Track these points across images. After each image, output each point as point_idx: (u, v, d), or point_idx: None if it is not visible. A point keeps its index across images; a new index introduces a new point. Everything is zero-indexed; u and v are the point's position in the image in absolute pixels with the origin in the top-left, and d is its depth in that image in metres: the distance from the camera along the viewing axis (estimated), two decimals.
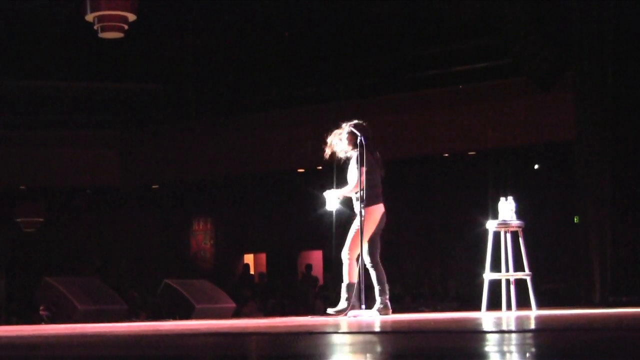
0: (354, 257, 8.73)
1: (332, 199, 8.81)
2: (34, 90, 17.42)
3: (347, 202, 8.91)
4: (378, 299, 8.71)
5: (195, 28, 15.51)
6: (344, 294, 8.78)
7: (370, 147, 8.72)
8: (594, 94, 12.46)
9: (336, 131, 8.93)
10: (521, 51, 14.03)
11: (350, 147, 8.82)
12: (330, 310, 8.84)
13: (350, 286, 8.74)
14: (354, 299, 8.70)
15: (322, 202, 8.82)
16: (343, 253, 8.79)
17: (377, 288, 8.73)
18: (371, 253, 8.70)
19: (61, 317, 10.78)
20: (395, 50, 16.03)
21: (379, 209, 8.73)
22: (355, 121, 8.87)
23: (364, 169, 8.58)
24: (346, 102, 16.80)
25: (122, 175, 19.95)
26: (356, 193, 8.71)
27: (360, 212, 8.55)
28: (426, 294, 16.83)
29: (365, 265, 8.65)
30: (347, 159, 8.91)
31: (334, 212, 8.88)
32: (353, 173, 8.72)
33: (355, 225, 8.72)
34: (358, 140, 8.57)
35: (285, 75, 17.05)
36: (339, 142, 8.86)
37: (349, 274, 8.74)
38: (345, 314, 8.63)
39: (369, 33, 15.63)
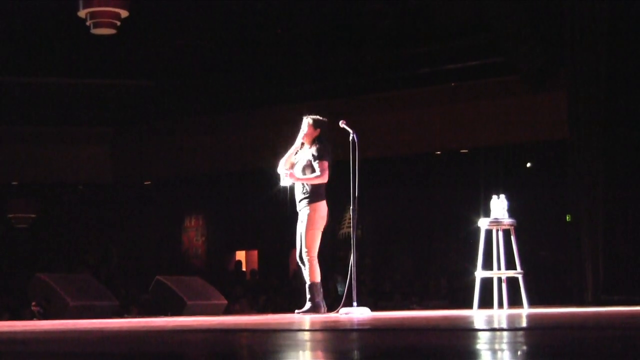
0: (314, 255, 8.71)
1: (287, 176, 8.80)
2: (25, 86, 17.36)
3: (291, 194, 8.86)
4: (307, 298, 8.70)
5: (187, 25, 15.48)
6: (308, 295, 8.75)
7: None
8: (587, 93, 12.46)
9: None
10: (514, 49, 14.03)
11: (308, 140, 8.80)
12: (297, 312, 8.84)
13: (313, 286, 8.72)
14: (320, 299, 8.70)
15: (277, 178, 8.80)
16: (302, 254, 8.75)
17: (308, 284, 8.73)
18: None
19: (53, 313, 10.76)
20: (388, 47, 16.00)
21: (324, 205, 8.72)
22: (319, 116, 8.88)
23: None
24: (338, 99, 16.77)
25: (114, 172, 19.92)
26: (303, 187, 8.70)
27: (354, 210, 8.52)
28: (417, 292, 16.81)
29: (302, 261, 8.70)
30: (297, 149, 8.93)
31: (287, 188, 8.86)
32: (316, 165, 8.67)
33: (303, 224, 8.71)
34: (350, 138, 8.55)
35: (277, 73, 17.01)
36: (304, 130, 8.86)
37: (312, 274, 8.73)
38: (322, 311, 8.64)
39: (362, 30, 15.60)
